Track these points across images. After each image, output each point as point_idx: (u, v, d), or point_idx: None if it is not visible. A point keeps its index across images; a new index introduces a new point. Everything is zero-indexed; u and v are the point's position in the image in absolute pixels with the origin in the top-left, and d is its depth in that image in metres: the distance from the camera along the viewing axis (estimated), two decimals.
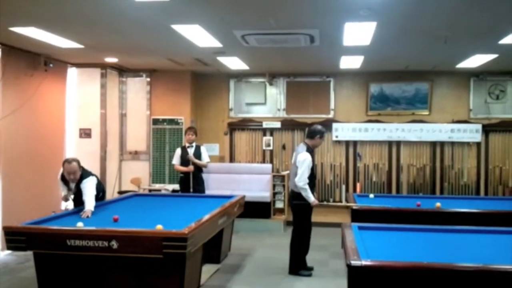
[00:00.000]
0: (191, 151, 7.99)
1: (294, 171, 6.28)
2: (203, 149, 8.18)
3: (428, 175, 9.57)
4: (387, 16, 5.31)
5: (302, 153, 6.21)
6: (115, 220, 5.18)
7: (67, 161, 5.84)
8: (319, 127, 6.51)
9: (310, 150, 6.30)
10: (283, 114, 9.95)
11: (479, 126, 9.35)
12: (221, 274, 6.29)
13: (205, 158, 8.09)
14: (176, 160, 8.11)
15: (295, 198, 6.27)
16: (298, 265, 6.33)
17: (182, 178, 8.12)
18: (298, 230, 6.37)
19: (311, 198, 6.18)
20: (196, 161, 7.91)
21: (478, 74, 9.33)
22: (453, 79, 9.51)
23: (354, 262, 3.33)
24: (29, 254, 5.03)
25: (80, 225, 4.80)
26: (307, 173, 6.11)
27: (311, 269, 6.41)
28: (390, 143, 9.63)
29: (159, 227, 4.62)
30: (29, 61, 7.62)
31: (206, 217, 5.27)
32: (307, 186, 6.11)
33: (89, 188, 5.70)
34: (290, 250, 6.39)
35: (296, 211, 6.38)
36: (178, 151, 8.12)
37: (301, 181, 6.09)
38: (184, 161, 7.99)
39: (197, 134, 8.31)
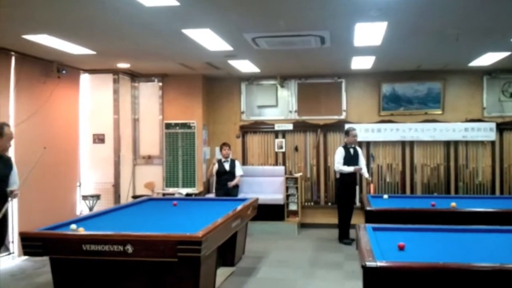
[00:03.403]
0: (226, 165, 8.58)
1: None
2: (237, 163, 8.77)
3: (442, 175, 9.50)
4: (397, 16, 5.29)
5: (337, 149, 8.48)
6: (175, 205, 6.78)
7: (7, 125, 5.40)
8: (347, 127, 8.75)
9: (345, 146, 8.38)
10: (295, 116, 9.94)
11: (493, 125, 9.27)
12: (236, 277, 6.29)
13: (238, 171, 8.67)
14: (214, 171, 8.69)
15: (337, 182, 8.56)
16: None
17: (218, 187, 8.65)
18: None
19: (350, 169, 8.20)
20: (233, 184, 8.56)
21: (491, 72, 9.25)
22: (465, 78, 9.44)
23: (369, 263, 3.31)
24: (46, 259, 5.07)
25: (74, 227, 4.85)
26: (337, 161, 8.29)
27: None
28: (403, 143, 9.58)
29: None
30: (42, 68, 7.70)
31: (220, 220, 5.27)
32: (341, 168, 8.23)
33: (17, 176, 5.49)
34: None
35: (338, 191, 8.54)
36: (216, 165, 8.66)
37: (335, 167, 8.36)
38: (221, 173, 8.56)
39: (231, 148, 8.92)
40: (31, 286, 6.01)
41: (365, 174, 8.51)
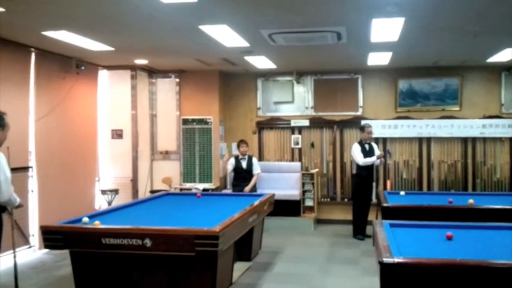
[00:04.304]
0: (244, 163, 8.38)
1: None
2: (254, 160, 8.55)
3: (459, 172, 9.43)
4: (415, 11, 5.26)
5: (353, 145, 8.49)
6: (198, 197, 7.10)
7: (5, 114, 4.61)
8: (363, 123, 8.87)
9: (360, 142, 8.38)
10: (311, 112, 9.93)
11: (511, 121, 9.18)
12: (253, 271, 6.33)
13: (255, 169, 8.45)
14: (231, 169, 8.50)
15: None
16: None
17: (235, 183, 8.49)
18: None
19: (373, 159, 8.26)
20: (249, 188, 8.23)
21: (510, 68, 9.15)
22: (483, 74, 9.35)
23: (387, 259, 3.32)
24: (66, 252, 5.15)
25: (86, 220, 4.98)
26: (358, 155, 8.23)
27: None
28: (420, 140, 9.53)
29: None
30: (61, 64, 7.79)
31: (237, 215, 5.32)
32: (365, 160, 8.19)
33: (5, 170, 4.46)
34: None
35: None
36: (232, 161, 8.46)
37: (359, 161, 8.20)
38: (238, 171, 8.40)
39: (248, 145, 8.69)
40: (52, 279, 6.11)
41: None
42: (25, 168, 7.06)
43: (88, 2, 4.94)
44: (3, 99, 6.44)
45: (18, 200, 4.64)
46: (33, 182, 7.21)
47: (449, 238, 4.12)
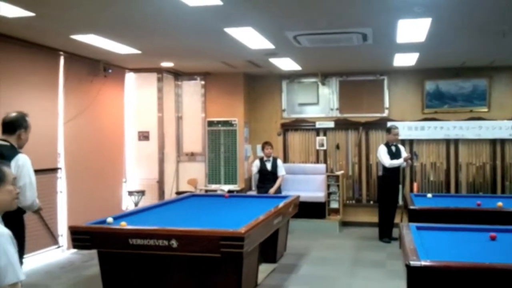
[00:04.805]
0: (268, 164, 8.50)
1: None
2: (279, 162, 8.65)
3: (488, 174, 9.27)
4: (442, 12, 5.20)
5: (379, 147, 8.43)
6: (226, 197, 7.37)
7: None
8: (389, 124, 8.68)
9: (387, 144, 8.33)
10: (336, 114, 9.88)
11: None
12: (278, 273, 6.33)
13: (280, 171, 8.55)
14: (255, 170, 8.64)
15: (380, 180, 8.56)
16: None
17: (260, 185, 8.61)
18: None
19: (400, 161, 8.19)
20: (274, 189, 8.35)
21: None
22: None
23: (414, 263, 3.29)
24: (94, 252, 5.24)
25: (110, 220, 5.12)
26: (384, 157, 8.18)
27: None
28: (447, 142, 9.40)
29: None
30: (89, 67, 7.91)
31: (262, 217, 5.32)
32: (392, 162, 8.13)
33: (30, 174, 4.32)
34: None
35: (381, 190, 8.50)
36: (258, 163, 8.62)
37: (386, 163, 8.15)
38: (263, 173, 8.52)
39: (273, 147, 8.82)
40: (80, 278, 6.21)
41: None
42: (54, 170, 7.21)
43: (115, 7, 5.02)
44: (33, 101, 6.59)
45: (38, 204, 4.54)
46: (61, 183, 7.34)
47: (493, 239, 4.11)
